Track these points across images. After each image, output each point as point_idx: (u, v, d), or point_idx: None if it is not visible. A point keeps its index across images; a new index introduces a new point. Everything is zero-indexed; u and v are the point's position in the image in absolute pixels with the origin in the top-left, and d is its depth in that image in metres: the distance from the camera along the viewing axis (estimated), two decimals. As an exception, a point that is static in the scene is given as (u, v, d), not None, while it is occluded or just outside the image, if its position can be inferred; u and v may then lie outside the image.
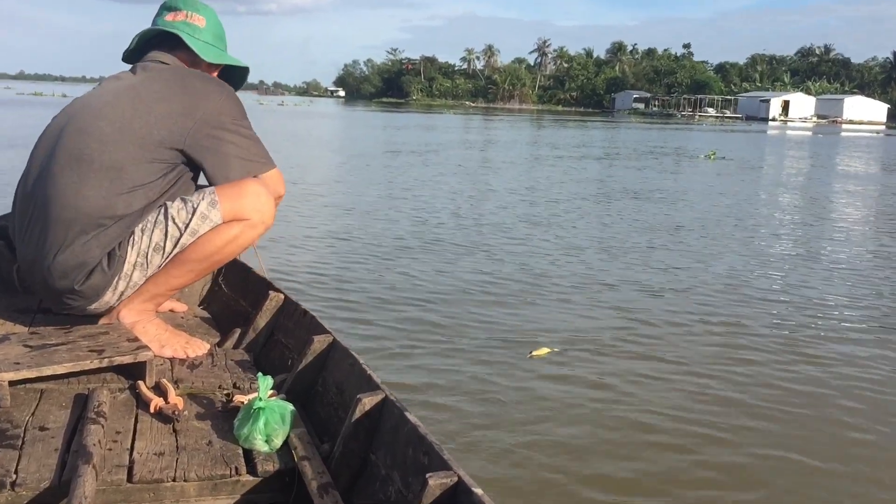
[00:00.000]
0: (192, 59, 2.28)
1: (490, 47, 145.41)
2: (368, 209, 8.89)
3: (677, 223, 8.81)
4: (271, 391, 1.74)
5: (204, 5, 2.36)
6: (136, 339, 2.01)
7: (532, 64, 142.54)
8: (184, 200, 2.06)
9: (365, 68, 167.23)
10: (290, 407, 1.72)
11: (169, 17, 2.29)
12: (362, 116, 50.97)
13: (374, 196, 10.12)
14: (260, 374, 1.75)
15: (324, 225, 7.77)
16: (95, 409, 1.70)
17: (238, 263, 2.82)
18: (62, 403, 1.79)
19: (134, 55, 2.32)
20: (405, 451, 1.51)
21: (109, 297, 2.10)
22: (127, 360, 1.90)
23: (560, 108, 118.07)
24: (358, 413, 1.61)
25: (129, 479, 1.50)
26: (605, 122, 60.62)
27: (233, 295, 2.77)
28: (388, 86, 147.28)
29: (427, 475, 1.33)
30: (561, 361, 3.90)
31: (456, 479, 1.33)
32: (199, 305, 2.84)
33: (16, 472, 1.48)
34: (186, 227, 2.04)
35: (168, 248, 2.06)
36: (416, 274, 5.72)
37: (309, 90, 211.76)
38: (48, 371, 1.80)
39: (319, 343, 2.01)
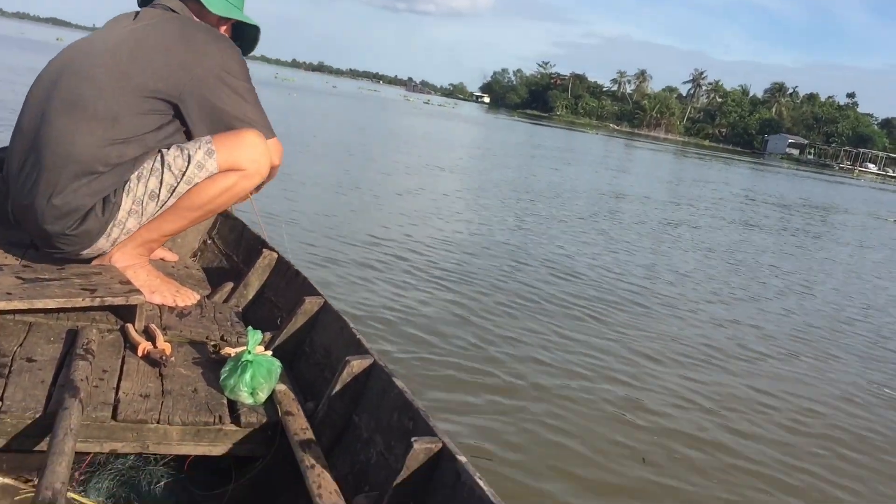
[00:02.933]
0: (199, 10, 2.24)
1: (643, 72, 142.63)
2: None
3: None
4: (259, 346, 1.73)
5: None
6: (128, 283, 2.00)
7: (684, 94, 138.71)
8: (180, 148, 2.04)
9: (513, 78, 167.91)
10: (278, 363, 1.71)
11: None
12: (509, 126, 50.55)
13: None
14: (250, 327, 1.75)
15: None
16: (84, 346, 1.69)
17: (233, 219, 2.86)
18: (50, 338, 1.78)
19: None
20: (390, 415, 1.53)
21: (103, 244, 2.10)
22: (118, 301, 1.89)
23: (707, 142, 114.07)
24: (346, 375, 1.63)
25: (114, 416, 1.50)
26: (759, 164, 57.80)
27: (225, 250, 2.80)
28: (534, 98, 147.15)
29: (412, 439, 1.34)
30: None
31: (440, 445, 1.34)
32: (190, 258, 2.84)
33: (1, 399, 1.48)
34: (183, 176, 2.03)
35: (163, 196, 2.05)
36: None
37: (454, 92, 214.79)
38: (39, 304, 1.79)
39: (311, 304, 2.02)
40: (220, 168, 2.05)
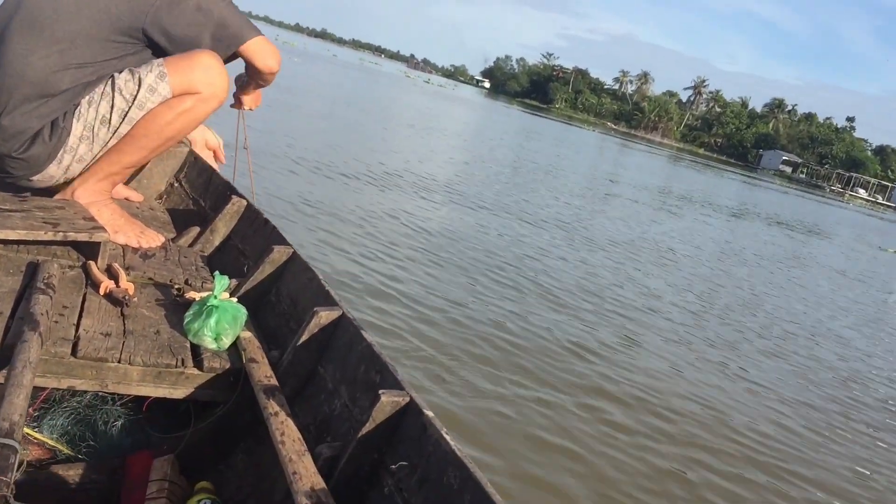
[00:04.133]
0: None
1: (646, 74, 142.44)
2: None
3: None
4: (224, 293, 1.71)
5: None
6: (91, 219, 1.96)
7: (683, 100, 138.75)
8: (131, 72, 1.97)
9: (516, 65, 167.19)
10: (244, 310, 1.69)
11: None
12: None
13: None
14: (217, 273, 1.73)
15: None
16: (44, 281, 1.64)
17: (201, 164, 2.81)
18: (9, 270, 1.73)
19: None
20: (357, 367, 1.52)
21: (54, 171, 2.03)
22: (81, 237, 1.84)
23: (702, 151, 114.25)
24: (313, 325, 1.61)
25: (74, 353, 1.47)
26: (752, 179, 57.87)
27: (192, 194, 2.75)
28: (534, 88, 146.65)
29: (380, 391, 1.33)
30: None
31: (408, 398, 1.33)
32: (156, 199, 2.79)
33: None
34: (134, 100, 1.96)
35: (115, 122, 1.99)
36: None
37: (455, 74, 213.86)
38: None
39: (279, 253, 1.99)
40: (173, 92, 1.97)
